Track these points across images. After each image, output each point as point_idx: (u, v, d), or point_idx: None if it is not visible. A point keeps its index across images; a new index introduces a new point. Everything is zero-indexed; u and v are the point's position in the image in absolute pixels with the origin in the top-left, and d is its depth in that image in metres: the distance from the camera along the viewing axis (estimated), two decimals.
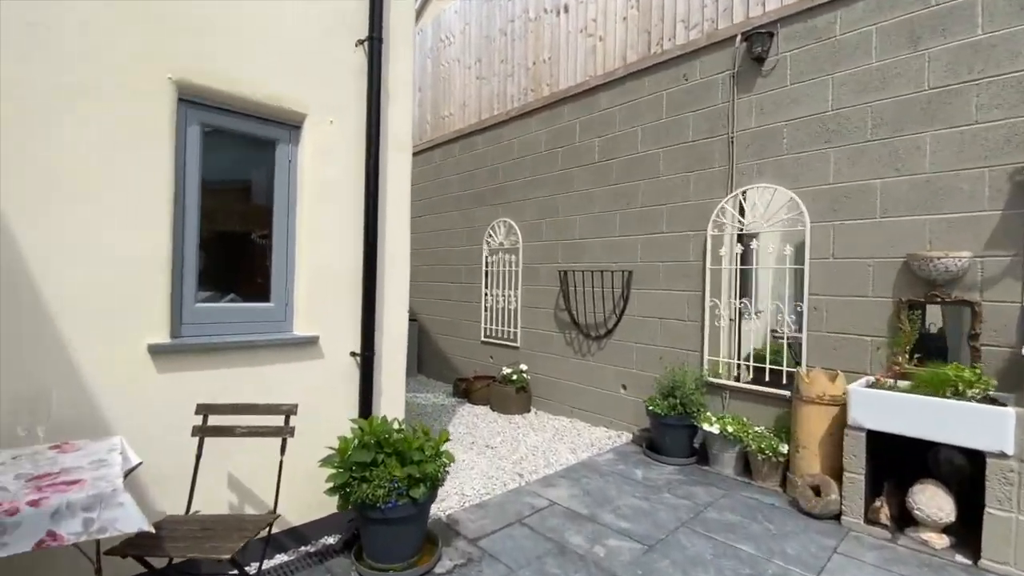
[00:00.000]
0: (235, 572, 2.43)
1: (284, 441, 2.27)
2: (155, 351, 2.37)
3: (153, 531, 1.65)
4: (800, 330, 3.92)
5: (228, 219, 2.75)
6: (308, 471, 2.76)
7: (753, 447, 3.82)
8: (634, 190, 5.01)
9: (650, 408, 4.37)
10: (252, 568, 2.55)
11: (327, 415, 2.94)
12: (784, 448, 3.76)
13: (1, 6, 1.98)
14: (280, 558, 2.78)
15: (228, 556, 1.80)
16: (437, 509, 3.32)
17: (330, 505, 2.95)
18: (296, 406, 2.32)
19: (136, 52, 2.29)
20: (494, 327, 6.57)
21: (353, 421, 2.72)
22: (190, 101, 2.51)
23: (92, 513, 1.56)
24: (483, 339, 6.75)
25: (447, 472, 2.74)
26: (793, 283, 4.04)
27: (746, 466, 4.02)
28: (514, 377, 5.84)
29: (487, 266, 6.69)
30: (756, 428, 3.99)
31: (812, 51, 3.93)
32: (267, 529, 2.12)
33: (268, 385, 2.73)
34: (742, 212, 4.23)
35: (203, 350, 2.52)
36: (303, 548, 2.88)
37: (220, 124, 2.62)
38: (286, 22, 2.76)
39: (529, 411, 5.91)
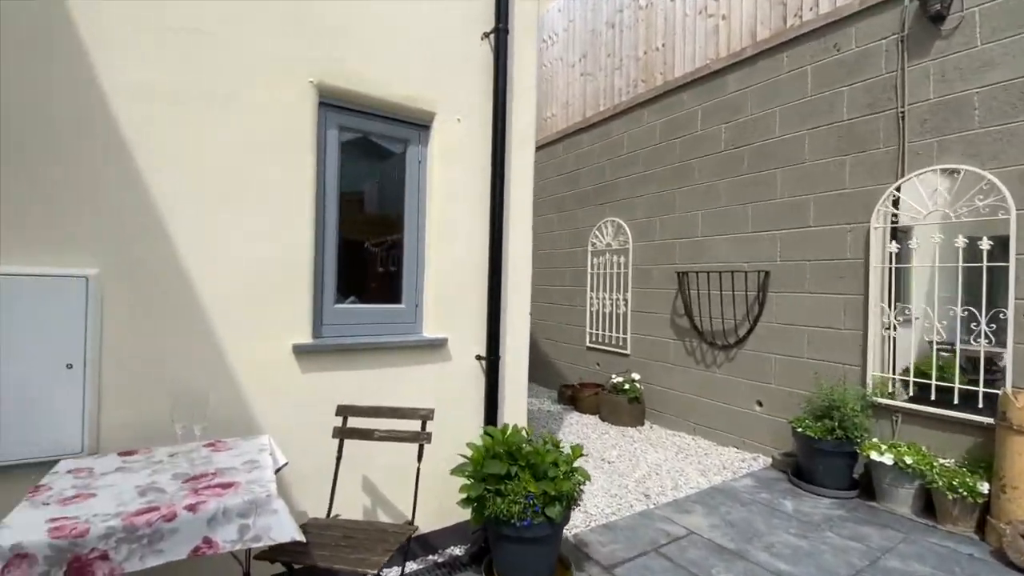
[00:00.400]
0: None
1: (421, 448, 2.17)
2: (299, 351, 2.40)
3: (304, 540, 1.58)
4: (999, 342, 3.17)
5: (361, 221, 2.76)
6: (434, 477, 2.66)
7: (940, 484, 3.14)
8: (770, 179, 4.46)
9: (799, 430, 3.80)
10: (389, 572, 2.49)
11: (454, 420, 2.84)
12: (984, 487, 3.05)
13: (166, 16, 2.08)
14: (410, 566, 2.70)
15: (375, 571, 1.70)
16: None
17: (455, 514, 2.84)
18: (433, 411, 2.21)
19: (280, 57, 2.34)
20: (601, 332, 6.25)
21: (485, 429, 2.58)
22: (329, 104, 2.53)
23: (247, 520, 1.52)
24: (589, 345, 6.45)
25: (582, 492, 2.50)
26: (963, 284, 3.27)
27: (927, 505, 3.33)
28: (626, 387, 5.47)
29: (592, 268, 6.40)
30: (942, 460, 3.29)
31: (1009, 3, 3.20)
32: (406, 541, 2.02)
33: (400, 387, 2.68)
34: (912, 201, 3.55)
35: (341, 350, 2.52)
36: (431, 557, 2.79)
37: (356, 126, 2.63)
38: (415, 20, 2.71)
39: (643, 424, 5.51)
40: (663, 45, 5.60)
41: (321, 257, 2.52)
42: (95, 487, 1.58)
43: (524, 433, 2.62)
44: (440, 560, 2.77)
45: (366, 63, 2.57)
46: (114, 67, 1.99)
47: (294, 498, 2.39)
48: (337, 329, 2.58)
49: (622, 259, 5.94)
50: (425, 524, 2.78)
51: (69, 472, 1.70)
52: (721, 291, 4.77)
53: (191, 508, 1.45)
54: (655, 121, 5.59)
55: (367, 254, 2.83)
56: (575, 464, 2.52)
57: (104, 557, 1.34)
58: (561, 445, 2.61)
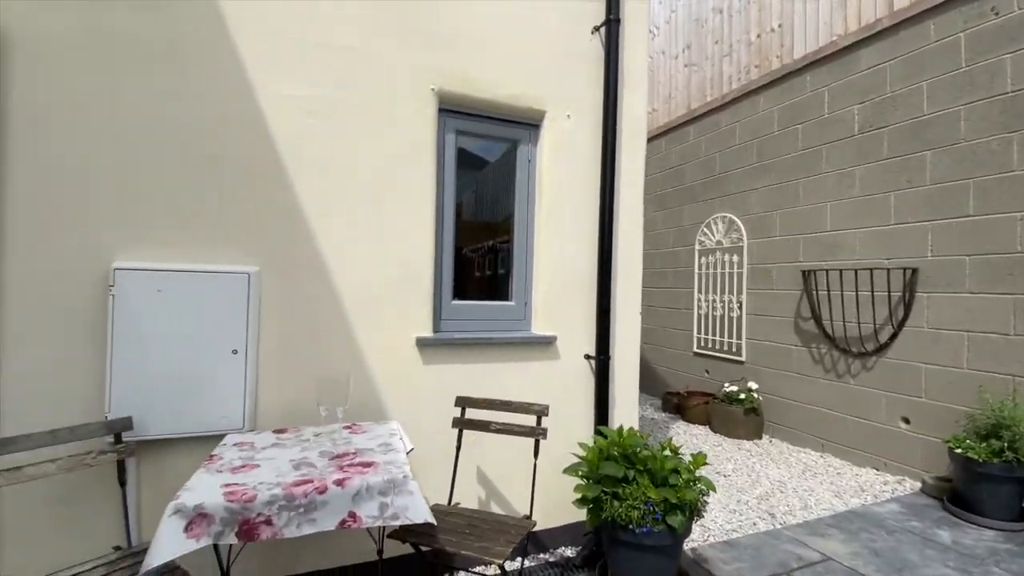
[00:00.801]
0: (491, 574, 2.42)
1: (537, 443, 2.16)
2: (421, 344, 2.52)
3: (435, 523, 1.63)
4: None
5: (474, 221, 2.84)
6: (545, 475, 2.65)
7: None
8: (918, 163, 3.89)
9: (957, 451, 3.25)
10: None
11: (562, 419, 2.80)
12: None
13: (306, 32, 2.30)
14: (528, 563, 2.71)
15: (500, 561, 1.71)
16: None
17: (565, 514, 2.80)
18: (547, 407, 2.20)
19: (407, 67, 2.49)
20: (710, 337, 5.87)
21: (598, 429, 2.51)
22: (446, 110, 2.64)
23: (387, 498, 1.60)
24: (696, 350, 6.09)
25: (706, 503, 2.33)
26: None
27: None
28: (741, 396, 5.07)
29: (700, 268, 6.04)
30: None
31: None
32: (526, 536, 2.02)
33: (510, 382, 2.71)
34: None
35: (457, 344, 2.60)
36: (542, 555, 2.78)
37: (470, 129, 2.72)
38: (523, 21, 2.74)
39: (760, 437, 5.07)
40: (779, 26, 5.16)
41: (440, 256, 2.63)
42: (257, 459, 1.76)
43: (639, 437, 2.51)
44: (552, 560, 2.75)
45: (478, 67, 2.64)
46: (267, 84, 2.24)
47: (422, 476, 2.50)
48: (454, 324, 2.68)
49: (735, 258, 5.54)
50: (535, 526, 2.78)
51: (235, 445, 1.92)
52: (857, 291, 4.25)
53: (339, 483, 1.57)
54: (771, 107, 5.15)
55: (480, 253, 2.90)
56: (697, 473, 2.37)
57: (268, 522, 1.48)
58: (680, 452, 2.47)
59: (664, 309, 6.68)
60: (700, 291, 6.03)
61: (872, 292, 4.13)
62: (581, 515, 2.84)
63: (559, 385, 2.83)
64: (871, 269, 4.12)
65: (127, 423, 1.91)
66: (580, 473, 2.39)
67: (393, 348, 2.48)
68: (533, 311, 2.85)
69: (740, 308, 5.46)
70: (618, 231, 2.90)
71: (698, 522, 3.20)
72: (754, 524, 3.22)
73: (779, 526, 3.20)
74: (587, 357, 2.89)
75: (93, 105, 2.00)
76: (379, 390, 2.45)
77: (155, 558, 1.37)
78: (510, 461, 2.69)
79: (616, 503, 2.23)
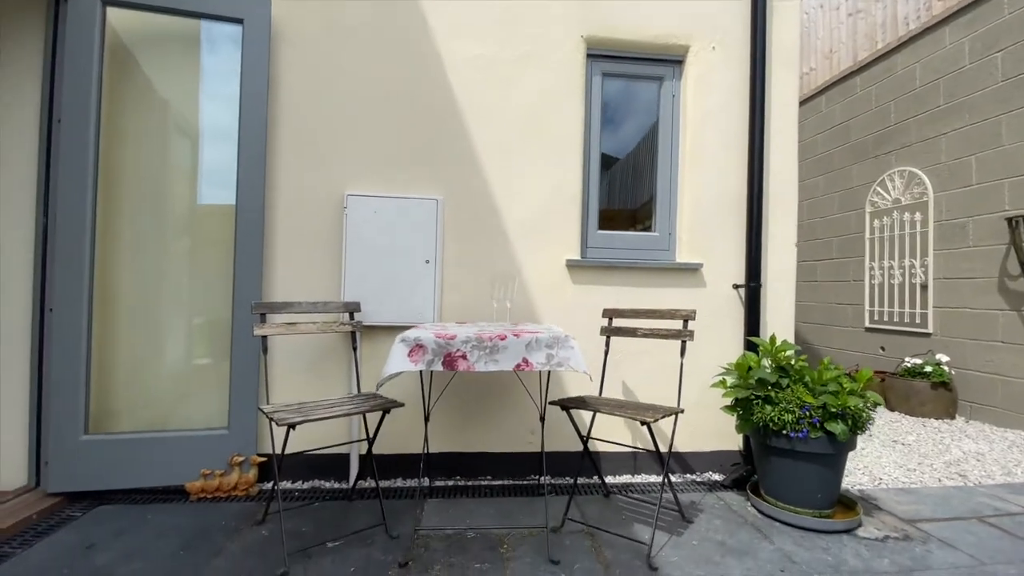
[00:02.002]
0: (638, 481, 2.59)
1: (683, 344, 2.29)
2: (571, 265, 2.82)
3: (591, 374, 1.89)
4: None
5: (618, 153, 3.06)
6: (688, 400, 2.74)
7: None
8: None
9: None
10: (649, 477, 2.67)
11: (707, 350, 2.87)
12: None
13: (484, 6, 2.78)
14: (671, 477, 2.83)
15: (652, 419, 1.90)
16: (844, 482, 2.76)
17: (711, 441, 2.85)
18: (694, 311, 2.32)
19: (561, 18, 2.83)
20: (886, 309, 5.22)
21: (754, 339, 2.54)
22: (594, 55, 2.92)
23: (552, 350, 1.91)
24: (868, 325, 5.45)
25: (873, 416, 2.22)
26: None
27: None
28: (927, 369, 4.45)
29: (871, 233, 5.41)
30: None
31: None
32: (674, 419, 2.17)
33: (654, 307, 2.86)
34: None
35: (602, 267, 2.85)
36: (687, 475, 2.86)
37: (615, 71, 2.96)
38: None
39: (953, 417, 4.38)
40: None
41: (587, 189, 2.91)
42: (448, 328, 2.21)
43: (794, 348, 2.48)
44: (697, 480, 2.82)
45: (623, 10, 2.87)
46: (448, 46, 2.76)
47: (568, 388, 2.81)
48: (599, 252, 2.93)
49: (917, 216, 4.88)
50: (681, 445, 2.88)
51: (433, 325, 2.41)
52: None
53: (515, 334, 1.92)
54: (961, 39, 4.48)
55: (622, 186, 3.12)
56: (861, 390, 2.27)
57: (464, 356, 1.89)
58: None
59: (828, 283, 6.09)
60: (872, 258, 5.41)
61: None
62: (726, 444, 2.90)
63: (704, 314, 2.90)
64: None
65: (356, 306, 2.53)
66: (728, 385, 2.45)
67: (547, 268, 2.82)
68: (677, 241, 2.97)
69: (925, 273, 4.79)
70: (769, 158, 2.88)
71: (864, 470, 2.98)
72: (939, 481, 2.89)
73: (972, 485, 2.82)
74: (735, 287, 2.91)
75: (327, 79, 2.70)
76: (535, 303, 2.81)
77: (389, 370, 1.86)
78: (653, 377, 2.84)
79: (768, 407, 2.26)
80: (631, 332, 2.51)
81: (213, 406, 2.63)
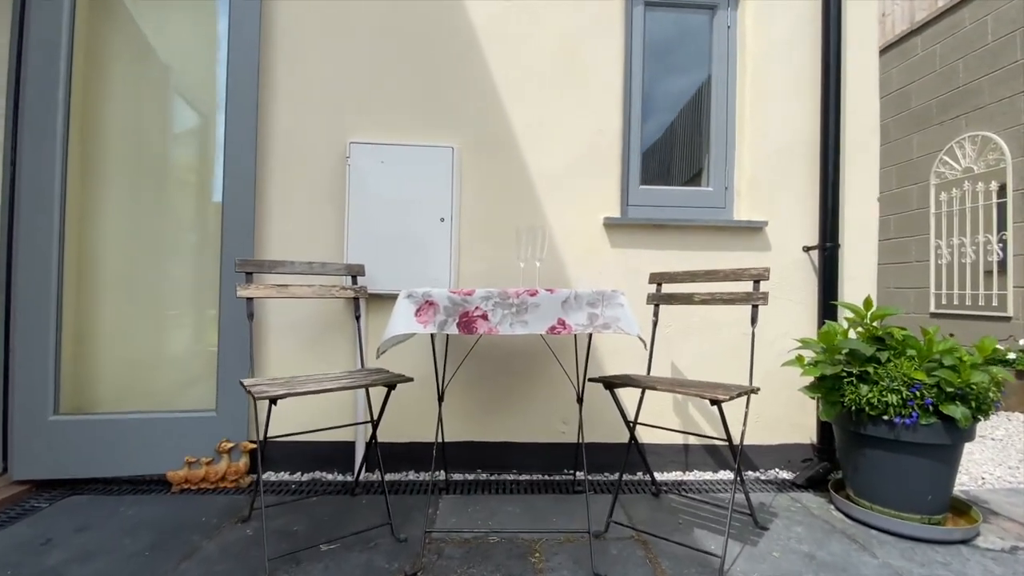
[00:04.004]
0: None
1: (755, 309, 1.87)
2: (609, 224, 2.41)
3: (645, 340, 1.48)
4: None
5: (664, 98, 2.64)
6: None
7: None
8: None
9: None
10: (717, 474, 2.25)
11: (774, 323, 2.42)
12: None
13: None
14: (727, 474, 2.40)
15: (725, 397, 1.48)
16: None
17: (777, 434, 2.42)
18: (767, 269, 1.89)
19: None
20: (955, 292, 4.66)
21: (841, 304, 2.10)
22: None
23: (596, 309, 1.52)
24: (934, 310, 4.89)
25: (1000, 398, 1.76)
26: None
27: None
28: (1010, 356, 3.89)
29: (938, 208, 4.85)
30: None
31: None
32: (746, 404, 1.74)
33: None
34: None
35: (646, 226, 2.44)
36: (751, 473, 2.42)
37: (660, 0, 2.54)
38: None
39: None
40: None
41: (628, 138, 2.50)
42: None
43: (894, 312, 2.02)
44: (763, 478, 2.38)
45: None
46: None
47: (609, 365, 2.40)
48: (642, 210, 2.51)
49: (992, 186, 4.32)
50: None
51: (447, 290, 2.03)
52: None
53: (549, 290, 1.53)
54: None
55: (671, 134, 2.69)
56: (983, 365, 1.81)
57: (484, 317, 1.50)
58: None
59: (885, 266, 5.53)
60: (939, 236, 4.84)
61: None
62: (796, 437, 2.46)
63: (770, 281, 2.45)
64: None
65: (360, 269, 2.16)
66: (806, 362, 2.00)
67: (581, 227, 2.42)
68: (736, 196, 2.53)
69: (1003, 249, 4.22)
70: (845, 95, 2.43)
71: (963, 470, 2.49)
72: None
73: None
74: (806, 249, 2.46)
75: (327, 12, 2.34)
76: (567, 267, 2.40)
77: (390, 331, 1.49)
78: (712, 357, 2.42)
79: (864, 386, 1.82)
80: (686, 299, 2.09)
81: (200, 385, 2.30)
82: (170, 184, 2.39)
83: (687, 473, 2.41)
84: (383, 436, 2.30)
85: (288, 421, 2.22)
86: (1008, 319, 4.19)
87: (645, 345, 1.65)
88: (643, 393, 1.94)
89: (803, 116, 2.47)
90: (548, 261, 2.37)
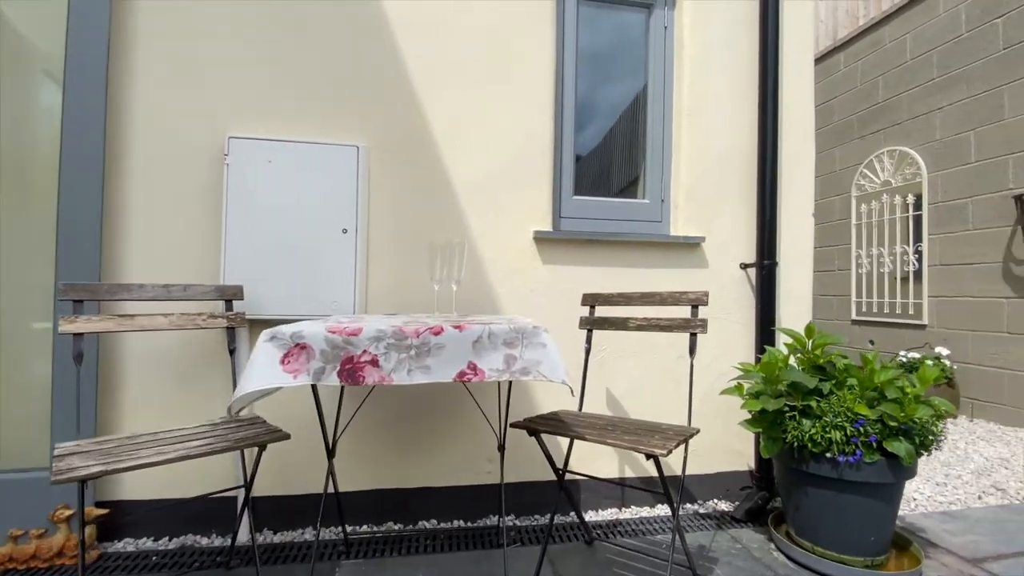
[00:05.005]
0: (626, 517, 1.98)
1: (693, 337, 1.68)
2: (540, 238, 2.17)
3: (572, 386, 1.24)
4: None
5: (603, 102, 2.43)
6: (685, 411, 2.14)
7: None
8: None
9: None
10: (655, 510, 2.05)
11: (712, 343, 2.28)
12: None
13: None
14: (664, 510, 2.22)
15: (664, 452, 1.27)
16: None
17: (716, 460, 2.29)
18: (707, 294, 1.71)
19: None
20: (875, 300, 4.83)
21: (782, 329, 1.95)
22: None
23: (514, 349, 1.25)
24: (855, 317, 5.06)
25: (943, 432, 1.67)
26: None
27: None
28: (927, 363, 4.03)
29: (858, 219, 5.03)
30: None
31: None
32: (683, 446, 1.54)
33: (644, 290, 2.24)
34: None
35: (581, 241, 2.22)
36: (688, 505, 2.26)
37: None
38: None
39: (956, 416, 4.00)
40: None
41: (560, 145, 2.27)
42: (364, 320, 1.51)
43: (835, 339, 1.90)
44: (702, 511, 2.22)
45: None
46: None
47: (537, 395, 2.15)
48: (576, 223, 2.29)
49: (909, 199, 4.50)
50: (678, 467, 2.27)
51: (346, 317, 1.70)
52: None
53: (457, 327, 1.24)
54: (957, 5, 4.11)
55: (605, 140, 2.49)
56: (925, 396, 1.71)
57: (374, 363, 1.20)
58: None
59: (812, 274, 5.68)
60: (860, 246, 5.02)
61: None
62: (734, 465, 2.32)
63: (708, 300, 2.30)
64: None
65: (238, 291, 1.78)
66: (747, 392, 1.85)
67: (508, 241, 2.16)
68: (672, 209, 2.37)
69: (919, 259, 4.41)
70: (783, 103, 2.32)
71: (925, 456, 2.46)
72: (978, 498, 2.40)
73: (1018, 502, 2.35)
74: (744, 266, 2.34)
75: None
76: (493, 287, 2.13)
77: (246, 386, 1.14)
78: (655, 371, 2.24)
79: (806, 422, 1.67)
80: (621, 324, 1.88)
81: (31, 437, 1.83)
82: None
83: (623, 510, 2.21)
84: (273, 489, 1.94)
85: (148, 477, 1.80)
86: (923, 327, 4.38)
87: (572, 392, 1.41)
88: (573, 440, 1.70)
89: (741, 124, 2.34)
90: (470, 280, 2.09)
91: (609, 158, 2.50)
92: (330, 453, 1.57)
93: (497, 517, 2.09)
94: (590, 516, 2.16)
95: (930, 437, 1.63)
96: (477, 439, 2.09)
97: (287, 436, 1.40)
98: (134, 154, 1.89)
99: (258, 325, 1.91)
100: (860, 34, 5.08)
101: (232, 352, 1.73)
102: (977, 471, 2.79)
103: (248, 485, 1.54)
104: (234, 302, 1.78)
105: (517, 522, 2.08)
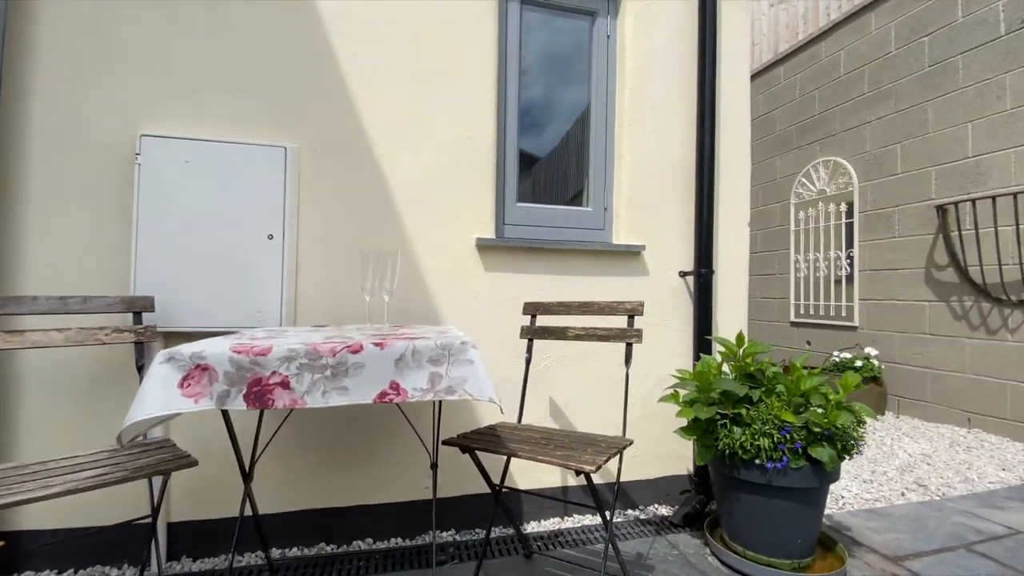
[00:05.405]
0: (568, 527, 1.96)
1: (629, 347, 1.68)
2: (482, 246, 2.13)
3: (500, 403, 1.20)
4: None
5: (544, 108, 2.41)
6: (631, 419, 2.17)
7: None
8: None
9: None
10: (583, 519, 2.05)
11: (652, 351, 2.30)
12: None
13: None
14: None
15: (592, 468, 1.25)
16: None
17: (656, 467, 2.30)
18: (642, 304, 1.72)
19: None
20: (811, 303, 5.07)
21: (715, 339, 1.99)
22: None
23: (439, 368, 1.20)
24: (794, 319, 5.29)
25: (863, 437, 1.74)
26: None
27: None
28: (858, 364, 4.26)
29: (796, 225, 5.26)
30: None
31: None
32: (619, 458, 1.54)
33: (588, 298, 2.24)
34: None
35: (524, 249, 2.19)
36: (630, 511, 2.27)
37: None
38: None
39: (883, 413, 4.23)
40: None
41: (503, 147, 2.24)
42: (287, 336, 1.42)
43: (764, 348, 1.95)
44: (642, 517, 2.24)
45: None
46: None
47: (481, 406, 2.10)
48: (519, 230, 2.26)
49: (842, 207, 4.74)
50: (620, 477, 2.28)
51: (265, 330, 1.60)
52: (1018, 224, 3.39)
53: (378, 344, 1.18)
54: (888, 23, 4.36)
55: (549, 148, 2.47)
56: (847, 402, 1.78)
57: (285, 384, 1.12)
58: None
59: (753, 277, 5.91)
60: (798, 251, 5.25)
61: None
62: (674, 469, 2.35)
63: (647, 307, 2.32)
64: None
65: (148, 303, 1.65)
66: (682, 399, 1.87)
67: (449, 249, 2.11)
68: (615, 217, 2.38)
69: (851, 264, 4.65)
70: (720, 115, 2.37)
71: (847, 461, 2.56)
72: (902, 495, 2.54)
73: (938, 498, 2.49)
74: (682, 274, 2.37)
75: None
76: (433, 296, 2.07)
77: (138, 412, 1.04)
78: (596, 379, 2.23)
79: (737, 429, 1.71)
80: (560, 333, 1.86)
81: None
82: None
83: (566, 519, 2.20)
84: (193, 512, 1.81)
85: (53, 501, 1.63)
86: (855, 328, 4.62)
87: (502, 411, 1.37)
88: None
89: (681, 135, 2.38)
90: (409, 289, 2.02)
91: (565, 164, 2.49)
92: (246, 477, 1.47)
93: (437, 532, 2.03)
94: (532, 527, 2.13)
95: (851, 442, 1.69)
96: (415, 452, 2.03)
97: (195, 463, 1.30)
98: (32, 155, 1.72)
99: (174, 338, 1.78)
100: (799, 49, 5.31)
101: (140, 369, 1.59)
102: (901, 467, 2.95)
103: (154, 515, 1.42)
104: (144, 314, 1.64)
105: (457, 537, 2.02)
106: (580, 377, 2.24)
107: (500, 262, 2.18)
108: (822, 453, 1.62)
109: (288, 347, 1.13)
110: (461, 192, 2.13)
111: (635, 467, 2.30)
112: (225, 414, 1.43)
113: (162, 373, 1.07)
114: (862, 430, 1.73)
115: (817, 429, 1.66)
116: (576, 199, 2.44)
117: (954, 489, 2.61)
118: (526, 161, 2.37)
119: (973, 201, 3.64)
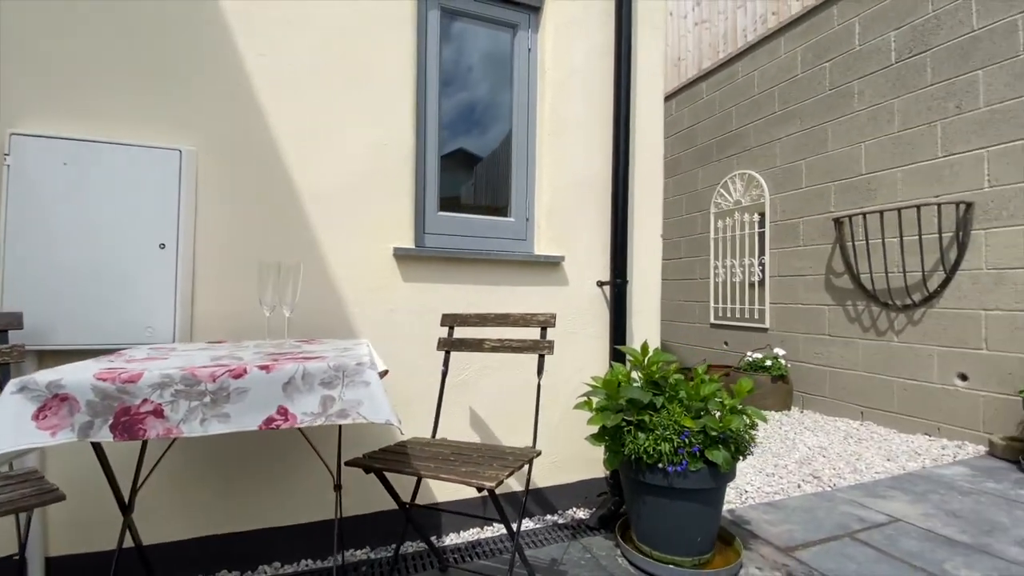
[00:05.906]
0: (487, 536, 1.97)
1: (541, 359, 1.72)
2: (400, 256, 2.09)
3: (399, 423, 1.19)
4: None
5: (464, 118, 2.41)
6: (548, 426, 2.23)
7: None
8: (968, 86, 3.44)
9: None
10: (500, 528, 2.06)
11: (571, 359, 2.36)
12: None
13: None
14: (525, 523, 2.25)
15: (492, 484, 1.26)
16: None
17: (576, 470, 2.37)
18: (554, 316, 1.76)
19: None
20: (729, 306, 5.40)
21: (622, 348, 2.06)
22: None
23: (332, 391, 1.17)
24: (713, 321, 5.61)
25: (755, 438, 1.87)
26: None
27: None
28: (767, 363, 4.59)
29: (716, 233, 5.58)
30: None
31: None
32: (527, 468, 1.56)
33: (508, 309, 2.26)
34: None
35: (444, 259, 2.18)
36: (549, 517, 2.32)
37: (459, 7, 2.30)
38: None
39: (790, 408, 4.58)
40: None
41: (423, 156, 2.21)
42: (170, 355, 1.33)
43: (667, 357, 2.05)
44: (561, 521, 2.29)
45: None
46: None
47: (419, 423, 2.06)
48: (440, 239, 2.25)
49: (756, 217, 5.09)
50: (539, 478, 2.33)
51: (150, 347, 1.49)
52: (901, 236, 3.78)
53: (264, 368, 1.13)
54: (794, 48, 4.73)
55: (471, 157, 2.47)
56: (742, 406, 1.91)
57: (158, 413, 1.05)
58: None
59: (677, 281, 6.22)
60: (717, 257, 5.57)
61: (920, 235, 3.66)
62: (593, 472, 2.42)
63: (568, 317, 2.39)
64: (918, 206, 3.65)
65: (15, 320, 1.49)
66: (594, 406, 1.93)
67: (366, 258, 2.06)
68: (536, 228, 2.42)
69: (763, 271, 4.99)
70: (635, 131, 2.47)
71: (731, 484, 2.73)
72: (798, 487, 2.75)
73: (829, 488, 2.73)
74: (600, 284, 2.45)
75: None
76: (348, 307, 2.02)
77: None
78: (512, 388, 2.25)
79: (641, 435, 1.78)
80: (477, 345, 1.87)
81: None
82: None
83: (485, 529, 2.20)
84: (74, 546, 1.66)
85: None
86: (766, 330, 4.96)
87: (400, 431, 1.36)
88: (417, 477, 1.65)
89: (598, 149, 2.45)
90: (320, 301, 1.96)
91: (490, 174, 2.49)
92: (125, 508, 1.36)
93: (351, 551, 1.98)
94: (452, 539, 2.12)
95: (744, 444, 1.81)
96: (324, 471, 1.96)
97: (61, 497, 1.18)
98: None
99: (49, 358, 1.62)
100: (719, 67, 5.64)
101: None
102: (800, 460, 3.20)
103: (21, 552, 1.28)
104: (10, 332, 1.48)
105: (372, 555, 1.98)
106: (501, 385, 2.26)
107: (420, 272, 2.15)
108: (717, 456, 1.73)
109: (162, 373, 1.05)
110: (378, 200, 2.09)
111: (555, 472, 2.35)
112: (95, 447, 1.31)
113: (14, 404, 0.97)
114: (755, 432, 1.86)
115: (713, 433, 1.77)
116: (501, 210, 2.46)
117: (844, 480, 2.86)
118: (449, 169, 2.36)
119: (864, 215, 4.02)
